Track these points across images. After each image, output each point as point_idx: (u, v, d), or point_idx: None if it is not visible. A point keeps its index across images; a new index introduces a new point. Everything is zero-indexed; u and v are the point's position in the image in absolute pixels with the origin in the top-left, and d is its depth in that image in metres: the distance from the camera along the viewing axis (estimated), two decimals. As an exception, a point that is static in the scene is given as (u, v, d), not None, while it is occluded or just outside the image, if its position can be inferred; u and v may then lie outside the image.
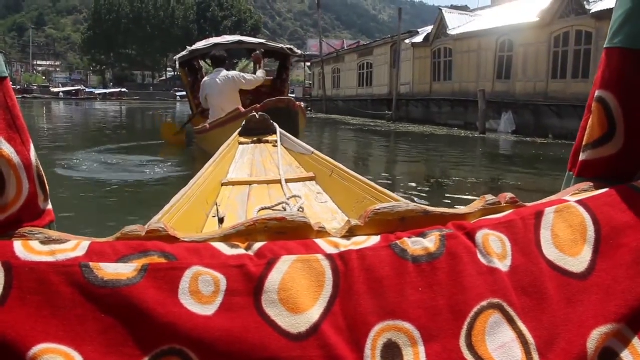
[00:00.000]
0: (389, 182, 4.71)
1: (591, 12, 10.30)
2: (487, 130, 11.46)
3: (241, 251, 0.48)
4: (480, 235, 0.51)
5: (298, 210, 1.28)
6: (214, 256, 0.46)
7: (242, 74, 5.37)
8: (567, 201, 0.55)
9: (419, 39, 16.79)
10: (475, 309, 0.46)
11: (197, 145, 5.88)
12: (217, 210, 1.40)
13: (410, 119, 16.36)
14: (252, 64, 8.97)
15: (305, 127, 4.80)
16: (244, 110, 4.35)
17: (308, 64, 29.81)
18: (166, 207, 1.04)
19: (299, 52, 8.14)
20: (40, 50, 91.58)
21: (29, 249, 0.44)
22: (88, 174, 4.62)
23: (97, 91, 48.51)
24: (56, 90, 47.77)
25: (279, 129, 2.63)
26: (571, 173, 0.64)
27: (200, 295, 0.44)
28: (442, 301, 0.47)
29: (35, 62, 79.02)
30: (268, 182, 1.79)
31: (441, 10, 15.76)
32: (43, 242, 0.46)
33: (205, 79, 5.30)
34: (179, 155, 6.06)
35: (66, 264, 0.43)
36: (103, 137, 9.33)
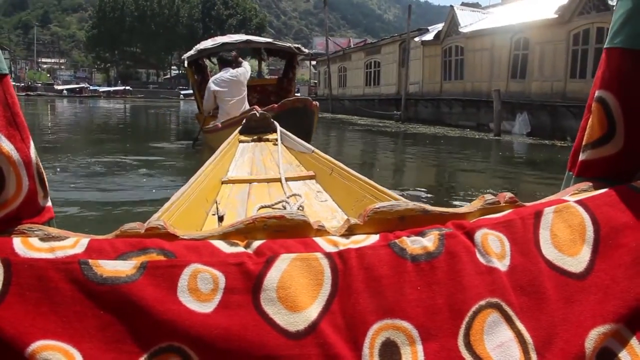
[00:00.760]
0: (403, 191, 4.25)
1: (614, 8, 9.76)
2: (501, 132, 10.96)
3: (240, 249, 0.48)
4: (479, 235, 0.51)
5: (298, 208, 1.26)
6: (213, 254, 0.46)
7: (245, 70, 5.37)
8: (567, 201, 0.55)
9: (429, 36, 16.26)
10: (473, 308, 0.46)
11: (207, 144, 5.69)
12: (217, 208, 1.39)
13: (420, 119, 15.85)
14: (257, 62, 9.05)
15: (316, 126, 4.80)
16: (259, 109, 4.32)
17: (313, 62, 29.38)
18: (166, 205, 1.03)
19: (306, 51, 8.20)
20: (45, 47, 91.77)
21: (28, 246, 0.44)
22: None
23: (101, 89, 48.59)
24: (59, 87, 47.73)
25: (279, 128, 2.57)
26: (571, 173, 0.64)
27: (199, 292, 0.44)
28: (441, 300, 0.46)
29: (40, 60, 79.13)
30: (268, 181, 1.77)
31: (452, 7, 15.24)
32: (42, 239, 0.46)
33: (213, 79, 5.28)
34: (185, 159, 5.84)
35: (65, 261, 0.43)
36: (104, 141, 9.00)
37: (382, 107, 17.97)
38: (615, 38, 0.57)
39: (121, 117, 16.74)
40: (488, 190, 4.55)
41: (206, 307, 0.43)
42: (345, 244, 0.50)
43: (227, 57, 5.47)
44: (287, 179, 1.73)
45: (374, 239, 0.50)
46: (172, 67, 62.82)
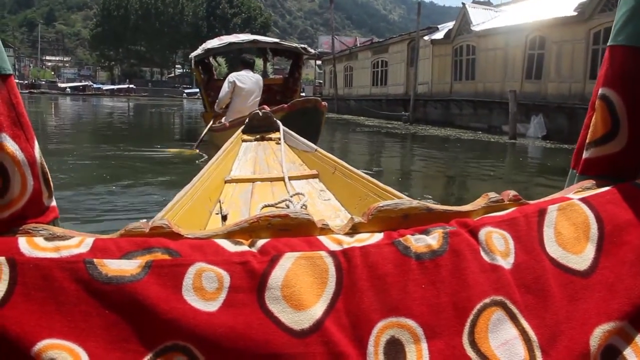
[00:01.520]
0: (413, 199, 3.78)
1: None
2: (516, 135, 10.45)
3: (244, 248, 0.48)
4: (483, 233, 0.51)
5: (301, 207, 1.25)
6: (217, 253, 0.46)
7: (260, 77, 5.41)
8: (570, 199, 0.55)
9: (438, 35, 15.73)
10: (478, 306, 0.46)
11: (214, 143, 5.59)
12: (220, 207, 1.40)
13: (428, 120, 15.32)
14: (261, 62, 9.01)
15: (323, 126, 4.82)
16: (268, 109, 4.29)
17: (319, 62, 28.98)
18: (169, 204, 1.04)
19: (313, 51, 8.13)
20: (50, 45, 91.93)
21: (34, 245, 0.44)
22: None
23: (105, 87, 48.72)
24: (63, 85, 47.75)
25: (282, 127, 2.55)
26: (574, 171, 0.63)
27: (204, 291, 0.44)
28: (445, 298, 0.46)
29: (44, 57, 79.17)
30: (271, 180, 1.77)
31: (464, 4, 14.71)
32: (47, 239, 0.46)
33: (237, 75, 5.23)
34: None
35: (70, 260, 0.43)
36: (105, 141, 8.64)
37: (389, 108, 17.50)
38: (619, 36, 0.57)
39: (122, 116, 16.40)
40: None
41: (211, 306, 0.43)
42: (350, 242, 0.49)
43: (249, 60, 5.48)
44: (290, 178, 1.72)
45: (378, 237, 0.50)
46: (177, 66, 62.73)
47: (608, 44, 0.59)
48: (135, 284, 0.43)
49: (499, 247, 0.50)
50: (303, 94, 9.43)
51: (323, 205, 1.50)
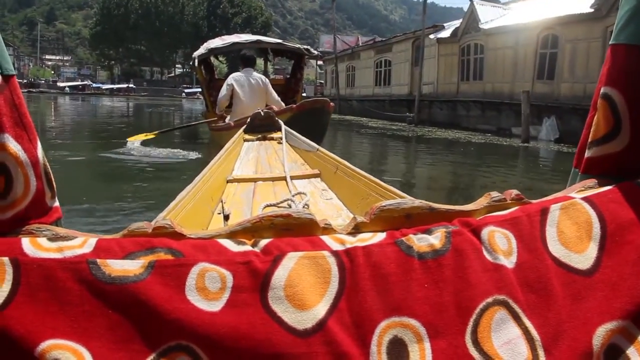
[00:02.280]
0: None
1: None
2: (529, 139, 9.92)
3: (247, 248, 0.47)
4: (485, 232, 0.51)
5: (303, 207, 1.25)
6: (220, 253, 0.46)
7: (270, 85, 5.16)
8: (573, 198, 0.55)
9: (445, 34, 15.19)
10: (480, 306, 0.46)
11: (217, 142, 5.58)
12: (223, 207, 1.40)
13: (434, 122, 14.77)
14: (262, 62, 9.00)
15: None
16: (276, 109, 4.26)
17: (320, 62, 28.51)
18: (172, 204, 1.03)
19: (315, 52, 8.11)
20: (50, 44, 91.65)
21: (37, 246, 0.44)
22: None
23: (104, 86, 48.60)
24: (62, 85, 47.44)
25: (283, 126, 2.56)
26: (577, 170, 0.63)
27: (207, 291, 0.44)
28: (448, 297, 0.46)
29: (44, 57, 78.81)
30: (273, 179, 1.78)
31: (472, 1, 14.18)
32: (50, 239, 0.46)
33: (236, 74, 5.09)
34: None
35: (73, 261, 0.43)
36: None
37: (392, 109, 16.97)
38: (621, 34, 0.57)
39: (119, 116, 15.82)
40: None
41: (214, 306, 0.43)
42: (352, 242, 0.49)
43: (249, 56, 5.26)
44: (292, 178, 1.71)
45: (380, 236, 0.50)
46: (177, 66, 62.42)
47: (610, 42, 0.59)
48: (138, 284, 0.43)
49: (502, 246, 0.50)
50: (304, 94, 9.33)
51: (325, 204, 1.48)
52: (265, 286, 0.44)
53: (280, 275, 0.45)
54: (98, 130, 9.89)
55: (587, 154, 0.61)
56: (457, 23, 15.09)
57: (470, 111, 13.65)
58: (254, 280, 0.45)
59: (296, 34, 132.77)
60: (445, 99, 14.76)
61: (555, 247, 0.51)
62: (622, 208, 0.54)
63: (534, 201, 0.56)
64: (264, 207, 1.28)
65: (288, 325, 0.43)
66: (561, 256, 0.50)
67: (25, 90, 34.64)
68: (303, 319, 0.43)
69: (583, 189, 0.59)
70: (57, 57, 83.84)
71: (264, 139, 2.71)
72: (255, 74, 5.08)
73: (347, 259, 0.47)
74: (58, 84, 48.53)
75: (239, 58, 5.49)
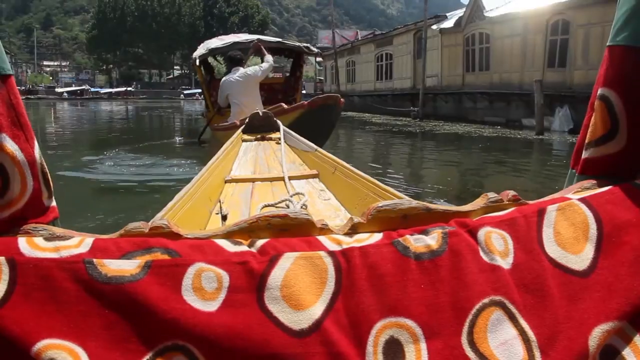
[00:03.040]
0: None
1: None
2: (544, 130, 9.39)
3: (244, 248, 0.47)
4: (482, 233, 0.51)
5: (301, 207, 1.25)
6: (217, 253, 0.46)
7: (256, 67, 5.31)
8: (570, 199, 0.55)
9: (448, 24, 14.67)
10: (477, 306, 0.46)
11: (220, 141, 5.04)
12: (220, 207, 1.39)
13: (439, 115, 14.28)
14: (259, 59, 8.89)
15: None
16: (286, 107, 4.33)
17: (319, 59, 28.07)
18: (169, 204, 1.02)
19: (315, 50, 8.12)
20: (47, 50, 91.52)
21: (33, 246, 0.44)
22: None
23: (103, 90, 48.47)
24: (60, 90, 47.25)
25: (282, 126, 2.57)
26: (574, 171, 0.63)
27: (203, 291, 0.44)
28: (444, 298, 0.46)
29: (42, 63, 78.63)
30: (271, 180, 1.78)
31: (475, -12, 13.66)
32: (47, 239, 0.46)
33: (225, 78, 5.25)
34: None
35: (70, 261, 0.43)
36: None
37: (395, 103, 16.51)
38: (618, 35, 0.57)
39: (115, 123, 15.39)
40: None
41: (210, 306, 0.43)
42: (349, 242, 0.49)
43: (236, 56, 5.41)
44: (290, 178, 1.71)
45: (377, 237, 0.50)
46: (175, 67, 62.10)
47: (607, 44, 0.58)
48: (134, 284, 0.42)
49: (498, 247, 0.50)
50: (304, 92, 9.28)
51: (323, 205, 1.48)
52: (261, 286, 0.44)
53: (276, 276, 0.45)
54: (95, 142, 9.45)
55: (584, 154, 0.61)
56: (460, 12, 14.57)
57: (477, 103, 13.15)
58: (250, 280, 0.45)
59: (294, 32, 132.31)
60: (451, 92, 14.27)
61: (551, 248, 0.51)
62: (619, 209, 0.53)
63: (530, 202, 0.56)
64: (262, 208, 1.26)
65: (284, 325, 0.43)
66: (558, 257, 0.50)
67: (24, 97, 34.51)
68: (299, 319, 0.43)
69: (580, 189, 0.58)
70: (55, 63, 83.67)
71: (263, 139, 2.68)
72: (241, 70, 5.17)
73: (343, 260, 0.47)
74: (56, 89, 48.44)
75: (226, 60, 5.60)
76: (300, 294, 0.44)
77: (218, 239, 0.48)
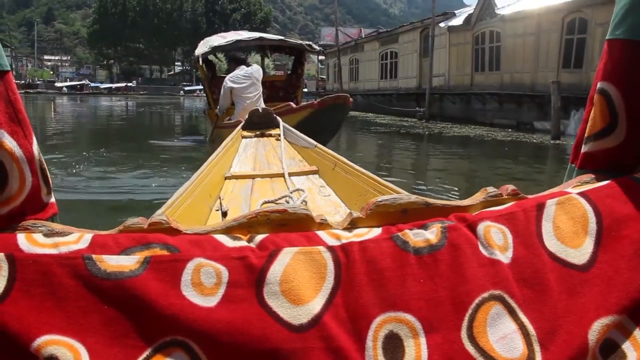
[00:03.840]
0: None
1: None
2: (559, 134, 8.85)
3: (243, 243, 0.47)
4: (481, 227, 0.50)
5: (301, 203, 1.25)
6: (215, 248, 0.46)
7: (259, 69, 5.38)
8: (569, 193, 0.55)
9: (456, 21, 14.13)
10: (476, 301, 0.46)
11: (222, 139, 4.67)
12: (220, 203, 1.39)
13: (445, 116, 13.74)
14: (259, 58, 9.01)
15: None
16: (295, 106, 4.35)
17: (322, 57, 27.48)
18: (169, 201, 1.03)
19: (318, 48, 8.16)
20: (49, 44, 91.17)
21: (32, 242, 0.44)
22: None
23: (103, 85, 48.15)
24: (59, 85, 46.87)
25: (282, 123, 2.58)
26: (573, 165, 0.63)
27: (202, 287, 0.44)
28: (444, 292, 0.46)
29: (44, 57, 78.20)
30: (271, 176, 1.79)
31: (486, -15, 13.11)
32: (46, 235, 0.46)
33: (230, 76, 5.28)
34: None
35: (69, 256, 0.43)
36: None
37: (400, 103, 15.95)
38: (617, 29, 0.57)
39: (107, 119, 14.87)
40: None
41: (210, 301, 0.43)
42: (348, 237, 0.49)
43: (241, 56, 5.51)
44: (290, 174, 1.72)
45: (376, 232, 0.50)
46: (176, 63, 61.73)
47: (607, 37, 0.58)
48: (134, 280, 0.42)
49: (498, 241, 0.50)
50: (305, 90, 9.55)
51: (323, 201, 1.48)
52: (260, 281, 0.44)
53: (275, 271, 0.45)
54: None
55: (583, 148, 0.61)
56: (469, 10, 14.02)
57: (487, 104, 12.62)
58: (249, 275, 0.44)
59: (296, 30, 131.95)
60: (458, 92, 13.74)
61: (551, 242, 0.51)
62: (618, 203, 0.53)
63: (530, 196, 0.56)
64: (262, 204, 1.24)
65: (283, 320, 0.43)
66: (557, 251, 0.50)
67: (23, 91, 34.21)
68: (298, 314, 0.43)
69: (579, 184, 0.58)
70: (56, 57, 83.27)
71: (262, 135, 2.68)
72: (245, 68, 5.21)
73: (342, 254, 0.47)
74: (56, 84, 48.14)
75: (229, 60, 5.65)
76: (299, 288, 0.44)
77: (217, 235, 0.48)
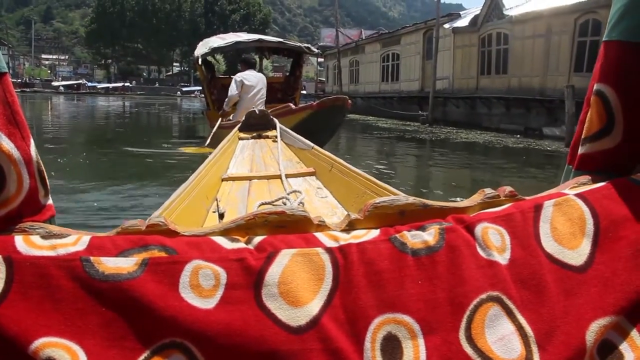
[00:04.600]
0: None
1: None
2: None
3: (241, 245, 0.47)
4: (479, 229, 0.51)
5: (298, 205, 1.24)
6: (214, 250, 0.46)
7: (263, 77, 5.64)
8: (566, 194, 0.55)
9: (461, 23, 13.72)
10: (474, 302, 0.46)
11: (221, 139, 4.51)
12: (218, 205, 1.40)
13: (449, 121, 13.30)
14: (258, 59, 8.95)
15: None
16: (294, 107, 4.43)
17: (321, 59, 27.02)
18: (166, 203, 1.03)
19: (316, 50, 8.34)
20: (47, 44, 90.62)
21: (30, 244, 0.44)
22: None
23: (100, 85, 47.72)
24: (56, 84, 46.40)
25: (278, 124, 2.60)
26: (570, 166, 0.63)
27: (201, 288, 0.44)
28: (442, 294, 0.46)
29: (41, 56, 77.62)
30: (268, 177, 1.79)
31: (493, -15, 12.66)
32: (44, 237, 0.46)
33: (243, 74, 5.38)
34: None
35: (67, 258, 0.43)
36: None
37: (401, 107, 15.51)
38: (613, 31, 0.57)
39: (107, 120, 14.34)
40: None
41: (208, 303, 0.43)
42: (346, 238, 0.49)
43: (252, 60, 5.78)
44: (287, 176, 1.73)
45: (374, 233, 0.50)
46: (175, 64, 61.28)
47: (603, 39, 0.59)
48: (131, 282, 0.42)
49: (495, 242, 0.50)
50: (304, 92, 9.29)
51: (320, 202, 1.48)
52: (259, 283, 0.44)
53: (274, 272, 0.45)
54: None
55: (580, 150, 0.61)
56: (475, 11, 13.57)
57: (493, 109, 12.18)
58: (247, 277, 0.44)
59: (295, 32, 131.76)
60: (463, 96, 13.31)
61: (548, 244, 0.51)
62: (616, 204, 0.53)
63: (527, 198, 0.56)
64: (259, 205, 1.26)
65: (282, 322, 0.43)
66: (554, 252, 0.50)
67: (19, 90, 33.75)
68: (297, 316, 0.43)
69: (576, 185, 0.58)
70: (54, 56, 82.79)
71: (259, 137, 2.70)
72: (255, 73, 5.48)
73: (340, 256, 0.47)
74: (53, 83, 47.72)
75: (241, 60, 5.75)
76: (297, 290, 0.44)
77: (215, 236, 0.48)
